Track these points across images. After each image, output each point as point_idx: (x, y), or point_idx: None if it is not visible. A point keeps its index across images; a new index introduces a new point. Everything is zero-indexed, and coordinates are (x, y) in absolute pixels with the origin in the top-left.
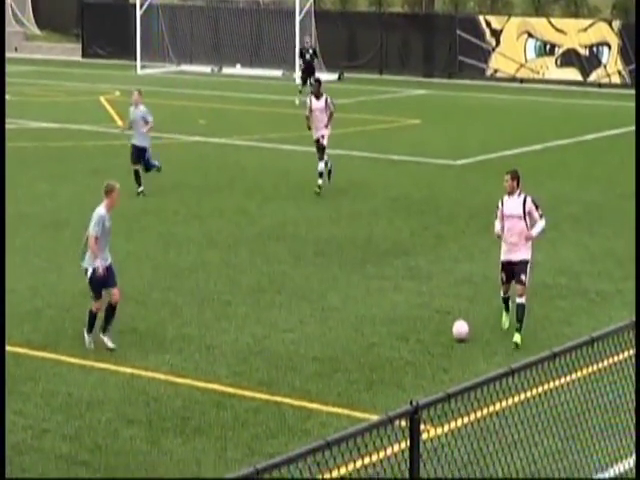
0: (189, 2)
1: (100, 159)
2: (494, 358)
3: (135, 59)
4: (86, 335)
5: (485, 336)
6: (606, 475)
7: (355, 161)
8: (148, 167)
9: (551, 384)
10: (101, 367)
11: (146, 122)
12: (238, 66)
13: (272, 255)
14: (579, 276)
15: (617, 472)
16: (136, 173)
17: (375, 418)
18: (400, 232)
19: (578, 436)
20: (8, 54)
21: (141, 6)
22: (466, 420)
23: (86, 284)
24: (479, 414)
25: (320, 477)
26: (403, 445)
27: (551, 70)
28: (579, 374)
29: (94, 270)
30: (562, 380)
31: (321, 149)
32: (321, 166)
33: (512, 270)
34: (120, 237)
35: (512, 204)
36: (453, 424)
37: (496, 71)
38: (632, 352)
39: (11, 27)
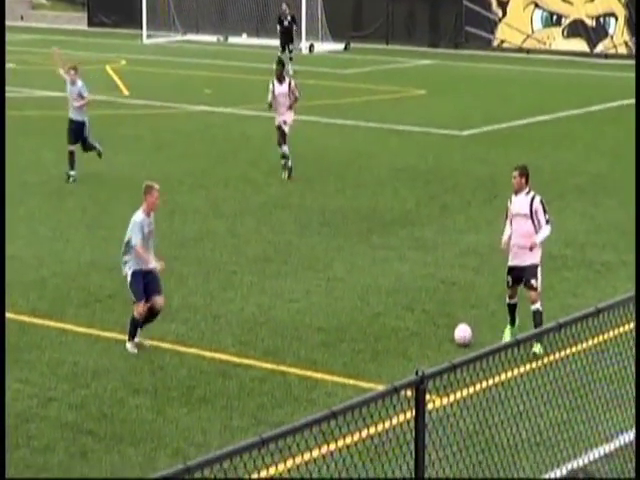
0: None
1: (105, 128)
2: (499, 329)
3: (141, 28)
4: (128, 344)
5: (491, 307)
6: (611, 446)
7: (361, 131)
8: (86, 147)
9: (557, 355)
10: (107, 336)
11: (82, 97)
12: (244, 36)
13: (278, 225)
14: (584, 247)
15: (622, 442)
16: (71, 155)
17: (381, 388)
18: (405, 202)
19: (583, 407)
20: (14, 23)
21: None
22: (472, 390)
23: (98, 259)
24: (484, 384)
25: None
26: (409, 415)
27: (558, 41)
28: (584, 345)
29: (133, 274)
30: (568, 351)
31: (283, 135)
32: (285, 149)
33: (520, 275)
34: (125, 206)
35: (519, 202)
36: (459, 394)
37: (502, 42)
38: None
39: None
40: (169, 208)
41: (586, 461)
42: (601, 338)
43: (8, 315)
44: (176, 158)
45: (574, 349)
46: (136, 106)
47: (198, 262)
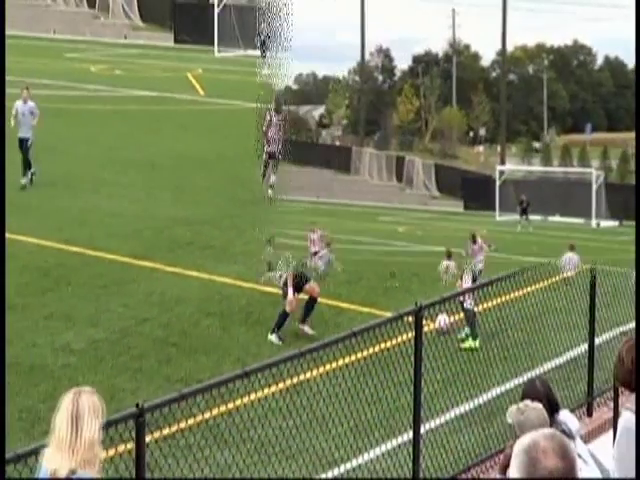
0: (254, 3)
1: (186, 118)
2: None
3: (214, 44)
4: (272, 336)
5: None
6: (561, 359)
7: None
8: (26, 158)
9: (521, 291)
10: (187, 274)
11: (33, 115)
12: None
13: None
14: None
15: (570, 357)
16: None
17: (389, 315)
18: None
19: (540, 330)
20: (118, 40)
21: (218, 5)
22: (457, 317)
23: (179, 216)
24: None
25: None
26: (410, 335)
27: None
28: (541, 284)
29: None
30: (529, 289)
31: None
32: (273, 179)
33: None
34: (202, 178)
35: None
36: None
37: None
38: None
39: (121, 20)
40: (236, 178)
41: (541, 371)
42: (552, 280)
43: (113, 257)
44: (245, 135)
45: (534, 287)
46: (209, 103)
47: (254, 220)
